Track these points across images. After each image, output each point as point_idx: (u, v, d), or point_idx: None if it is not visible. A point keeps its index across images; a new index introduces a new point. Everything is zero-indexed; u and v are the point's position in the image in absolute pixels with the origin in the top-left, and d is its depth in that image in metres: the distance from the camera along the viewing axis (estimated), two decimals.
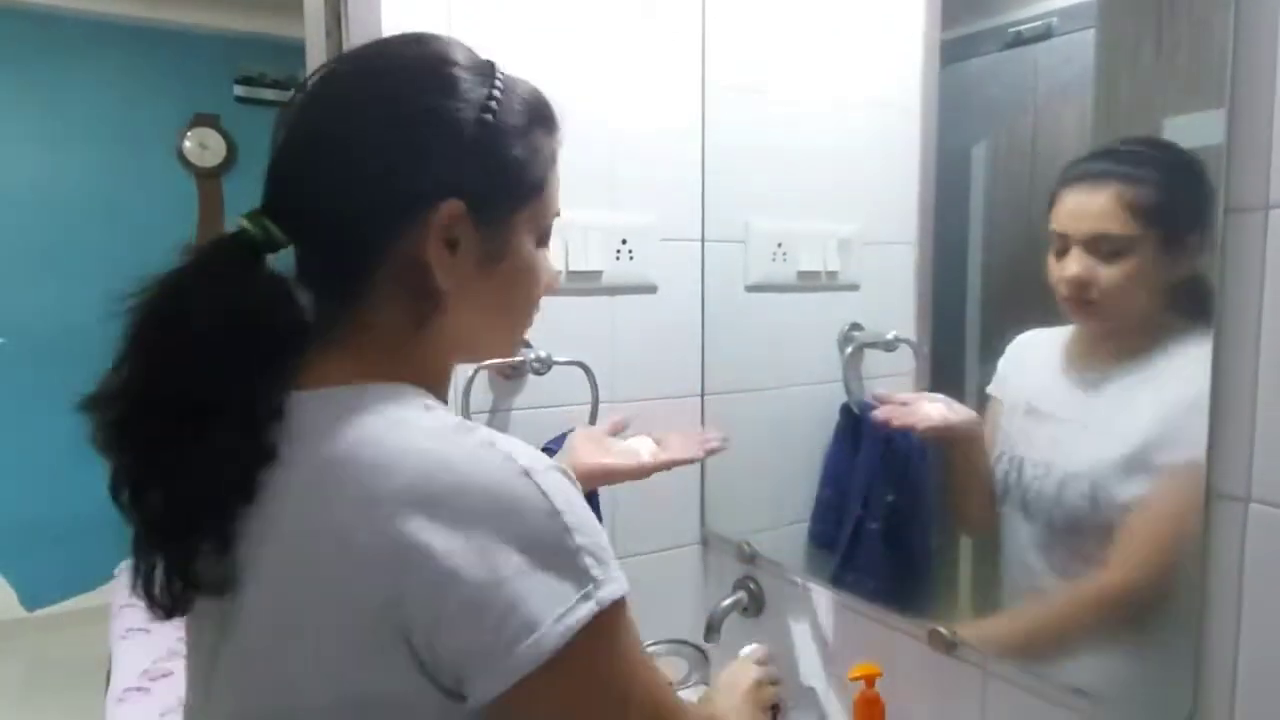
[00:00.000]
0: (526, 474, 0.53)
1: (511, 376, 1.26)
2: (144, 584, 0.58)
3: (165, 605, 0.58)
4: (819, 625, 1.22)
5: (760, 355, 1.37)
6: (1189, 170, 0.78)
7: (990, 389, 1.05)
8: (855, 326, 1.23)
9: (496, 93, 0.63)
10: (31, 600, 3.81)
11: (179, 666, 2.49)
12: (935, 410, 1.07)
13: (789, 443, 1.34)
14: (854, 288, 1.29)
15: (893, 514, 1.17)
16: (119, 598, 3.06)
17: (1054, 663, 0.93)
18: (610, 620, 0.53)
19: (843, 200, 1.26)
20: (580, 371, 1.27)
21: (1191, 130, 0.78)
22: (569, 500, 0.54)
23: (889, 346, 1.18)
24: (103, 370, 0.56)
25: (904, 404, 1.10)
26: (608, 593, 0.53)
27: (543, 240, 0.69)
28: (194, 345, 0.56)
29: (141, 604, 0.57)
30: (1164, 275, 0.84)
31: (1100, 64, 0.90)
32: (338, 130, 0.61)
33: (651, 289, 1.37)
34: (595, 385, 1.27)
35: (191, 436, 0.55)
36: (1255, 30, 0.70)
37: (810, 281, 1.31)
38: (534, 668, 0.50)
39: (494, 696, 0.51)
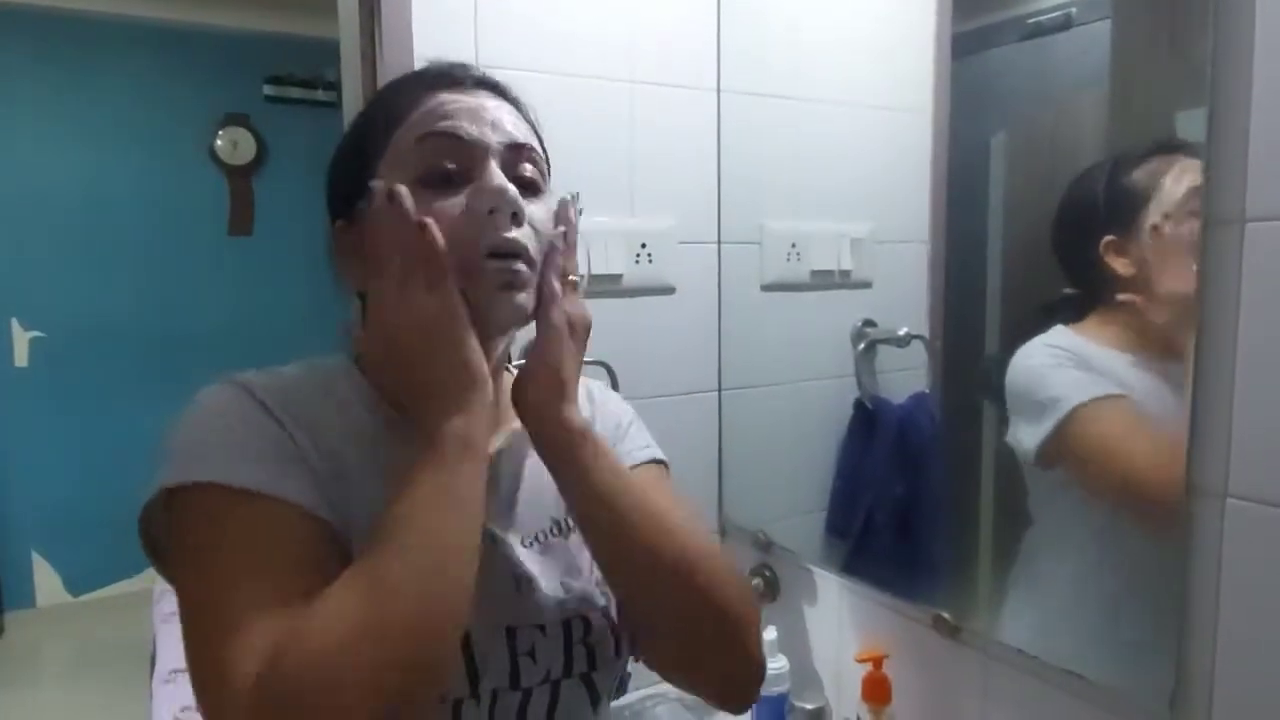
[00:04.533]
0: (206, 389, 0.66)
1: None
2: None
3: None
4: (830, 610, 1.27)
5: (776, 352, 1.40)
6: None
7: (1106, 391, 0.90)
8: (868, 323, 1.26)
9: None
10: (76, 586, 3.93)
11: None
12: None
13: (803, 436, 1.38)
14: (867, 285, 1.32)
15: (902, 506, 1.21)
16: (160, 583, 3.17)
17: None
18: (184, 503, 0.62)
19: (856, 200, 1.29)
20: (603, 370, 1.32)
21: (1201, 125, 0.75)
22: (193, 408, 0.65)
23: (901, 342, 1.21)
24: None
25: None
26: (161, 478, 0.62)
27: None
28: None
29: None
30: None
31: (1115, 56, 0.90)
32: None
33: (670, 290, 1.41)
34: (616, 384, 1.32)
35: None
36: (1234, 38, 0.73)
37: (824, 280, 1.35)
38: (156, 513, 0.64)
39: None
